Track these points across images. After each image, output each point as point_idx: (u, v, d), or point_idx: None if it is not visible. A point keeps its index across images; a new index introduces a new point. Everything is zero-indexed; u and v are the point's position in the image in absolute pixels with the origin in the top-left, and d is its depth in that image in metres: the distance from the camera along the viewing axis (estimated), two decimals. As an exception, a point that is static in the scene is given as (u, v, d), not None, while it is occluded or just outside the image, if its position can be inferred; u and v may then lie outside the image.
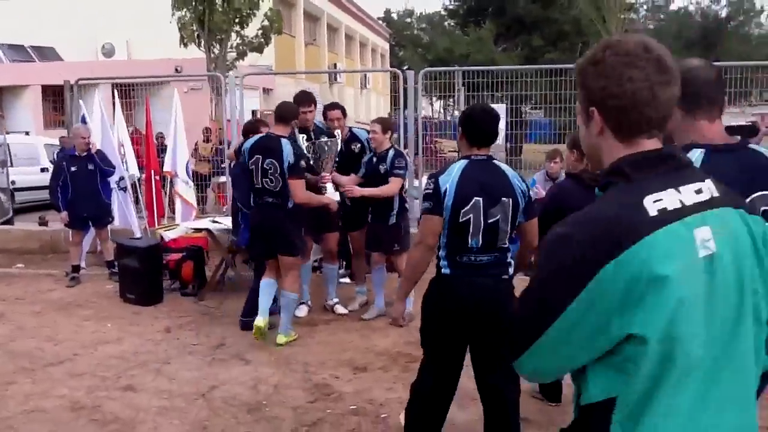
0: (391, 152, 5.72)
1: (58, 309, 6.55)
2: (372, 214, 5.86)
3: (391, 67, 34.77)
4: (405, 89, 8.68)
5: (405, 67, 10.46)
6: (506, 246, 3.22)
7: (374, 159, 5.79)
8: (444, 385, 3.36)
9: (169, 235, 7.11)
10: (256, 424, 3.98)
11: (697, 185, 1.29)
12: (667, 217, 1.23)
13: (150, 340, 5.55)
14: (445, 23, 34.56)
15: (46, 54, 23.39)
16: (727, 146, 1.98)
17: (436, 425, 3.35)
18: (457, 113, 13.24)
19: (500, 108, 10.77)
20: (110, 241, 7.76)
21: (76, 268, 7.62)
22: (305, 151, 5.71)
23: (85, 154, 7.54)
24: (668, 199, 1.25)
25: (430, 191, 3.15)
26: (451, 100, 12.59)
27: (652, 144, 1.34)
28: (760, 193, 1.94)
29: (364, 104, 36.06)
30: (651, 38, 1.35)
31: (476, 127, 3.27)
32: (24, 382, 4.68)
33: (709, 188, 1.31)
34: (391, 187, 5.63)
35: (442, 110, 27.93)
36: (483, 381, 3.39)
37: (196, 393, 4.44)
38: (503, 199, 3.14)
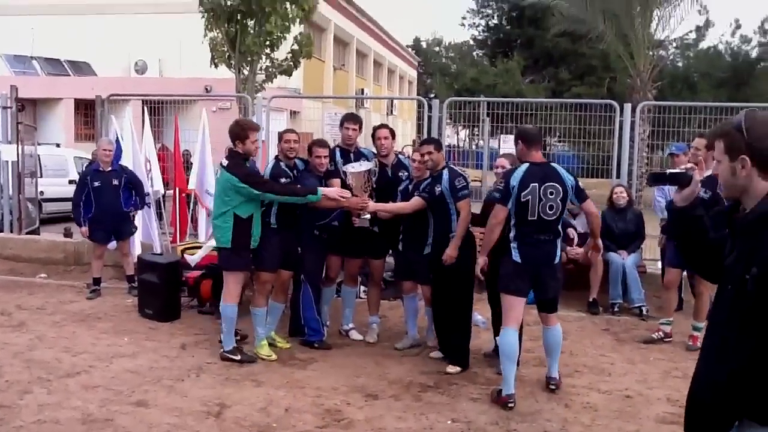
0: (429, 180, 5.57)
1: (78, 321, 6.62)
2: (404, 242, 5.77)
3: (418, 94, 34.96)
4: (430, 117, 8.74)
5: (431, 95, 10.53)
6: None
7: (410, 187, 5.72)
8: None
9: (194, 259, 7.13)
10: (265, 447, 3.98)
11: None
12: None
13: (165, 357, 5.58)
14: (474, 53, 34.77)
15: (81, 69, 23.94)
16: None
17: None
18: (482, 143, 13.29)
19: (524, 139, 10.81)
20: (131, 255, 7.85)
21: (97, 281, 7.71)
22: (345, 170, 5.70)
23: (109, 169, 7.66)
24: None
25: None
26: (475, 130, 12.64)
27: None
28: None
29: (390, 130, 36.16)
30: None
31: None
32: (39, 392, 4.73)
33: None
34: (410, 204, 5.52)
35: (467, 140, 27.98)
36: None
37: (207, 412, 4.45)
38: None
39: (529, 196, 4.64)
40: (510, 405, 4.59)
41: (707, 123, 8.90)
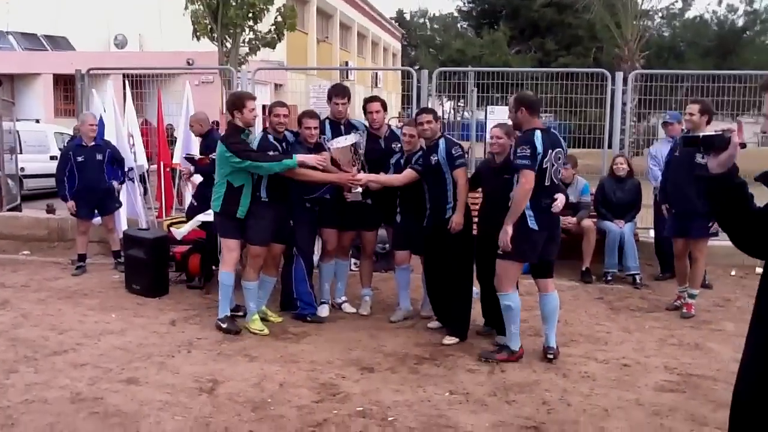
0: (420, 153, 5.52)
1: (63, 298, 6.47)
2: (403, 213, 5.70)
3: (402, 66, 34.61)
4: (419, 88, 8.59)
5: (417, 68, 10.36)
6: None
7: (402, 161, 5.66)
8: None
9: (181, 232, 6.99)
10: (260, 423, 3.89)
11: None
12: None
13: (155, 333, 5.46)
14: (458, 25, 34.43)
15: (59, 43, 23.42)
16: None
17: None
18: (467, 114, 13.13)
19: (512, 110, 10.69)
20: (117, 231, 7.68)
21: (82, 257, 7.55)
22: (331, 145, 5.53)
23: (92, 143, 7.47)
24: None
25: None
26: (461, 101, 12.51)
27: None
28: None
29: (375, 103, 35.92)
30: None
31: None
32: (26, 371, 4.60)
33: None
34: (402, 177, 5.46)
35: (451, 111, 27.80)
36: None
37: (199, 388, 4.35)
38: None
39: (548, 163, 4.66)
40: (520, 357, 4.84)
41: (694, 91, 8.83)
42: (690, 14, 22.29)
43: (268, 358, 4.90)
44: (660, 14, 23.01)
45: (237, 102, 5.49)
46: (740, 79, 8.76)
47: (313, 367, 4.72)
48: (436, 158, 5.26)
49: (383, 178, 5.60)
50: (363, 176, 5.48)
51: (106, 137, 7.99)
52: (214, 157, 7.29)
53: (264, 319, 5.64)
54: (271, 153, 5.35)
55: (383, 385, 4.45)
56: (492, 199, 5.14)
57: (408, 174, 5.43)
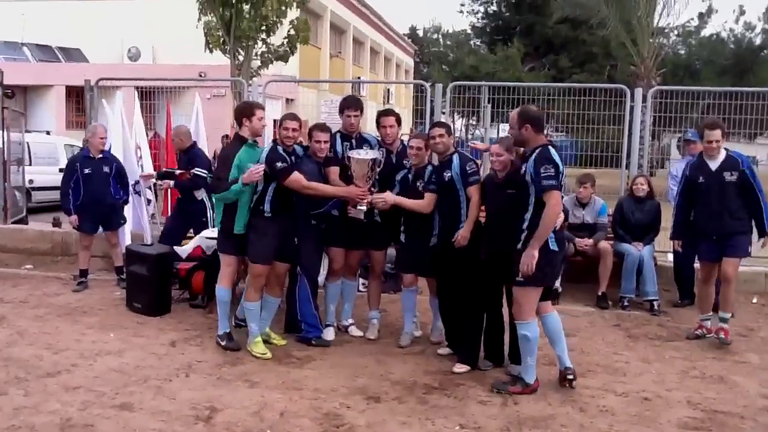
0: (429, 168, 5.34)
1: (62, 315, 6.28)
2: (408, 234, 5.48)
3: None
4: (432, 102, 8.40)
5: (430, 83, 10.15)
6: None
7: (410, 176, 5.44)
8: None
9: (185, 250, 6.80)
10: (259, 456, 3.66)
11: None
12: None
13: (153, 354, 5.25)
14: (471, 42, 34.34)
15: (72, 55, 23.47)
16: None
17: None
18: (479, 132, 12.89)
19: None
20: (120, 246, 7.51)
21: (84, 273, 7.38)
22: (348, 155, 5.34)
23: (100, 156, 7.32)
24: None
25: (553, 173, 4.33)
26: (473, 117, 12.29)
27: None
28: None
29: (387, 118, 35.79)
30: None
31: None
32: (16, 393, 4.40)
33: None
34: (427, 202, 5.21)
35: (462, 129, 27.67)
36: None
37: (196, 416, 4.13)
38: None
39: (564, 180, 4.54)
40: (535, 391, 4.61)
41: (711, 109, 8.59)
42: (706, 32, 22.04)
43: (270, 384, 4.67)
44: (676, 32, 22.79)
45: (246, 110, 5.37)
46: (760, 96, 8.51)
47: (317, 395, 4.50)
48: (449, 174, 5.05)
49: (409, 202, 5.30)
50: (390, 197, 5.29)
51: (113, 150, 7.84)
52: (196, 171, 7.20)
53: (267, 342, 5.43)
54: (278, 164, 5.14)
55: (390, 417, 4.21)
56: (496, 217, 4.90)
57: (431, 198, 5.20)
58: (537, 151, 4.49)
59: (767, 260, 8.08)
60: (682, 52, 22.70)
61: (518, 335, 4.63)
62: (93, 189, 7.24)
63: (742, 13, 20.47)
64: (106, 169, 7.32)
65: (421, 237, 5.36)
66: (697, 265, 6.41)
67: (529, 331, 4.57)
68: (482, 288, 5.12)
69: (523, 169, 4.52)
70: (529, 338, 4.57)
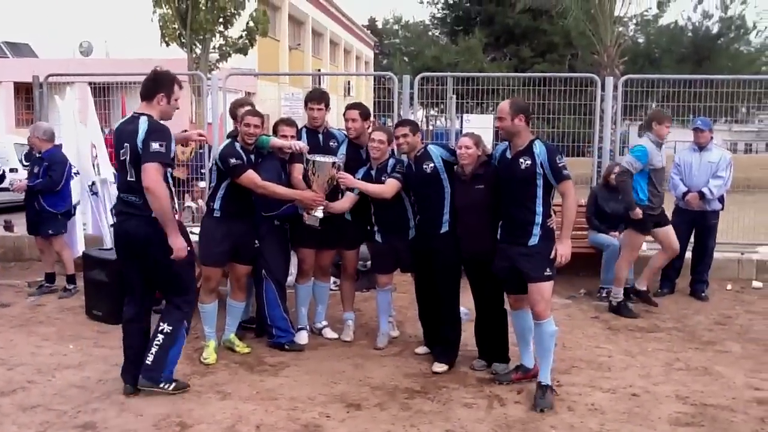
0: (392, 161, 5.19)
1: (16, 326, 5.90)
2: (383, 231, 5.25)
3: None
4: (400, 94, 8.18)
5: (397, 75, 9.88)
6: None
7: (372, 172, 5.20)
8: None
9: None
10: (236, 475, 3.41)
11: None
12: None
13: (116, 366, 4.87)
14: (429, 33, 34.18)
15: (21, 50, 22.63)
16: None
17: None
18: (440, 123, 12.73)
19: (488, 118, 10.34)
20: (65, 252, 7.07)
21: (50, 278, 7.03)
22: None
23: (38, 155, 6.96)
24: None
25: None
26: (435, 109, 12.14)
27: None
28: None
29: (348, 111, 35.57)
30: None
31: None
32: (-33, 416, 4.07)
33: None
34: (389, 187, 5.00)
35: (424, 119, 27.56)
36: None
37: (165, 434, 3.86)
38: None
39: None
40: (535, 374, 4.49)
41: (669, 97, 8.57)
42: (664, 21, 22.24)
43: (243, 395, 4.41)
44: (634, 21, 22.98)
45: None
46: (714, 84, 8.52)
47: (294, 405, 4.25)
48: (432, 165, 4.81)
49: (371, 187, 5.06)
50: (350, 180, 5.04)
51: (65, 149, 7.43)
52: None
53: (231, 349, 5.19)
54: (232, 161, 4.85)
55: (373, 425, 3.99)
56: (470, 214, 4.69)
57: (393, 184, 4.98)
58: (537, 142, 4.34)
59: (738, 246, 8.13)
60: (641, 40, 22.91)
61: (543, 333, 4.36)
62: (28, 188, 6.94)
63: (700, 1, 20.68)
64: (36, 169, 6.97)
65: (396, 232, 5.16)
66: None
67: (553, 327, 4.39)
68: (458, 287, 4.94)
69: (525, 162, 4.31)
70: (552, 334, 4.39)
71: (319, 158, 5.00)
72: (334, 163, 5.01)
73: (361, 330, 5.75)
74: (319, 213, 5.00)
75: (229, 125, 6.12)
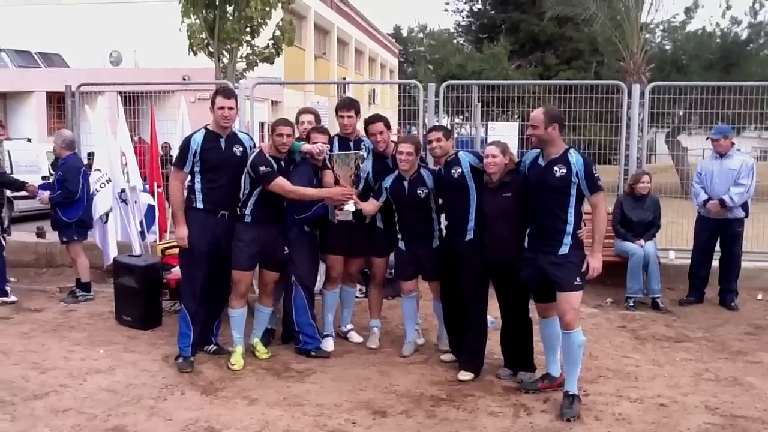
0: (424, 172, 5.18)
1: (48, 331, 6.02)
2: (408, 238, 5.25)
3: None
4: (425, 102, 8.21)
5: (423, 83, 9.89)
6: None
7: (405, 184, 5.15)
8: None
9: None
10: (263, 480, 3.45)
11: None
12: None
13: (146, 371, 5.01)
14: (454, 41, 34.15)
15: (53, 60, 23.05)
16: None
17: None
18: (464, 131, 12.70)
19: (514, 126, 10.32)
20: (80, 259, 7.15)
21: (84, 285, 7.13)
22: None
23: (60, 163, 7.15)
24: None
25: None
26: (460, 117, 12.14)
27: None
28: None
29: (373, 119, 35.70)
30: None
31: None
32: (1, 418, 4.15)
33: None
34: (368, 206, 5.24)
35: (450, 127, 27.56)
36: None
37: (194, 438, 3.91)
38: None
39: None
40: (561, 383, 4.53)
41: (697, 104, 8.47)
42: (692, 27, 21.94)
43: (270, 401, 4.45)
44: (661, 27, 22.71)
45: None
46: (745, 90, 8.41)
47: (320, 411, 4.29)
48: (459, 170, 4.82)
49: (361, 205, 5.16)
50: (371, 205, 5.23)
51: (96, 157, 7.59)
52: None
53: (252, 353, 5.27)
54: (261, 169, 4.94)
55: (398, 433, 4.02)
56: (497, 222, 4.69)
57: (373, 204, 5.24)
58: (572, 151, 4.33)
59: (769, 255, 8.00)
60: (668, 47, 22.66)
61: (571, 343, 4.33)
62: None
63: (729, 7, 20.32)
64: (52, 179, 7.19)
65: (421, 241, 5.18)
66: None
67: (580, 337, 4.37)
68: (485, 295, 4.94)
69: (560, 171, 4.29)
70: (581, 344, 4.37)
71: (337, 152, 5.11)
72: (356, 156, 5.09)
73: (386, 337, 5.77)
74: (350, 206, 5.07)
75: (257, 133, 6.23)
